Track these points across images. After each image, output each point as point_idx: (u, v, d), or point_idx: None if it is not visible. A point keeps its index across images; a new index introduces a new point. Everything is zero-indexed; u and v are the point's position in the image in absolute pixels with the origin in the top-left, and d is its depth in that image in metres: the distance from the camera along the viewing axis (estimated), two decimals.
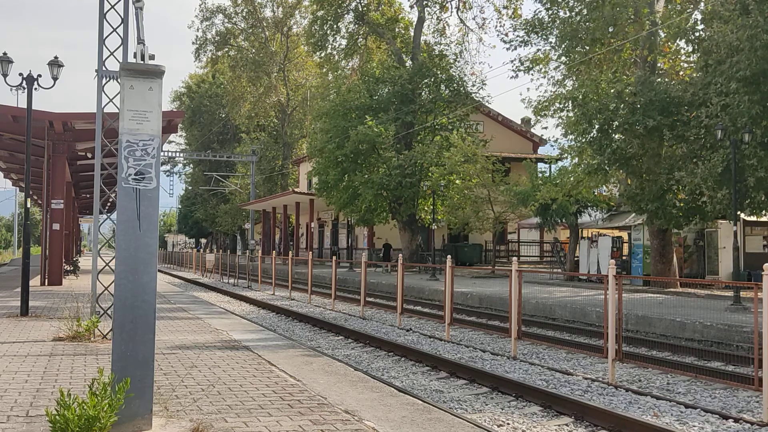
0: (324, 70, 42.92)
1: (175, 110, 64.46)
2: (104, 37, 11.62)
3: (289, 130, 61.91)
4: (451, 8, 39.31)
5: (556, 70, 25.85)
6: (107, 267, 10.96)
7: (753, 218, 22.53)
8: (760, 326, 8.55)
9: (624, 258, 26.68)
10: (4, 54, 14.52)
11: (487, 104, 40.25)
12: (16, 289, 19.72)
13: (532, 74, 26.76)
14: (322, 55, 40.16)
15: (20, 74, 14.36)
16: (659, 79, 22.41)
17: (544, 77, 26.04)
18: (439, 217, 34.10)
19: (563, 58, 25.27)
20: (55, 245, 22.48)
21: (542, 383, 10.19)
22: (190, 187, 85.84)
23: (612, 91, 21.77)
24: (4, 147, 24.35)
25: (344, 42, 39.96)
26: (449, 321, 15.01)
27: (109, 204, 27.08)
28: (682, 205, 21.74)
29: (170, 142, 76.03)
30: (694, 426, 7.99)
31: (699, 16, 21.54)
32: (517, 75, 26.96)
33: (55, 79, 14.58)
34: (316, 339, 15.21)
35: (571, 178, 24.63)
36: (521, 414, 8.54)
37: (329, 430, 5.71)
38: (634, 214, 25.44)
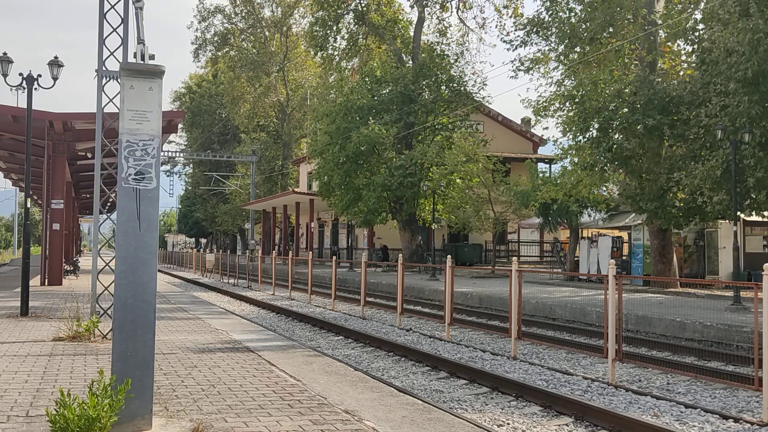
0: (325, 70, 42.93)
1: (175, 110, 64.49)
2: (104, 37, 11.62)
3: (289, 130, 61.92)
4: (452, 8, 39.33)
5: (555, 70, 25.87)
6: (107, 267, 10.96)
7: (753, 218, 22.53)
8: (760, 326, 8.55)
9: (624, 258, 26.67)
10: (4, 54, 14.51)
11: (487, 104, 40.25)
12: (16, 289, 19.72)
13: (531, 74, 26.79)
14: (323, 55, 40.17)
15: (20, 74, 14.36)
16: (659, 79, 22.41)
17: (544, 77, 26.03)
18: (442, 216, 34.11)
19: (562, 57, 25.27)
20: (55, 245, 22.48)
21: (542, 383, 10.19)
22: (190, 187, 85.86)
23: (611, 90, 21.77)
24: (4, 147, 24.35)
25: (344, 43, 39.98)
26: (449, 321, 15.01)
27: (109, 204, 27.08)
28: (681, 205, 21.75)
29: (170, 142, 76.12)
30: (694, 426, 7.99)
31: (699, 16, 21.53)
32: (517, 75, 26.99)
33: (55, 79, 14.58)
34: (316, 339, 15.21)
35: (572, 178, 24.64)
36: (521, 414, 8.53)
37: (329, 430, 5.71)
38: (634, 214, 25.44)
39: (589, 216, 28.58)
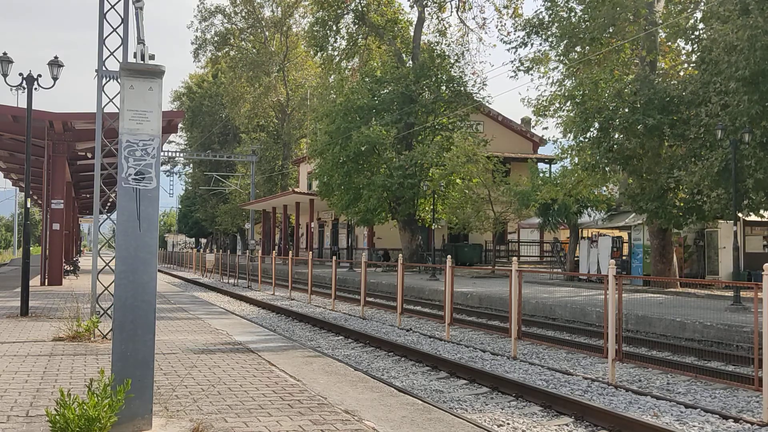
0: (324, 70, 42.93)
1: (175, 110, 64.53)
2: (104, 37, 11.62)
3: (289, 130, 61.93)
4: (451, 8, 39.33)
5: (555, 70, 25.87)
6: (107, 267, 10.96)
7: (753, 218, 22.52)
8: (760, 326, 8.55)
9: (624, 258, 26.67)
10: (4, 54, 14.52)
11: (487, 104, 40.25)
12: (16, 289, 19.72)
13: (531, 74, 26.78)
14: (323, 55, 40.20)
15: (20, 74, 14.36)
16: (659, 79, 22.41)
17: (544, 77, 26.02)
18: (442, 217, 34.09)
19: (562, 57, 25.27)
20: (55, 245, 22.48)
21: (542, 383, 10.19)
22: (190, 187, 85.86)
23: (611, 90, 21.78)
24: (4, 147, 24.35)
25: (344, 43, 39.98)
26: (449, 321, 15.01)
27: (109, 204, 27.09)
28: (681, 204, 21.74)
29: (170, 142, 76.16)
30: (694, 426, 7.99)
31: (699, 15, 21.55)
32: (516, 75, 26.98)
33: (55, 79, 14.58)
34: (317, 339, 15.21)
35: (572, 178, 24.63)
36: (521, 414, 8.53)
37: (329, 430, 5.71)
38: (634, 214, 25.44)
39: (589, 216, 28.58)
